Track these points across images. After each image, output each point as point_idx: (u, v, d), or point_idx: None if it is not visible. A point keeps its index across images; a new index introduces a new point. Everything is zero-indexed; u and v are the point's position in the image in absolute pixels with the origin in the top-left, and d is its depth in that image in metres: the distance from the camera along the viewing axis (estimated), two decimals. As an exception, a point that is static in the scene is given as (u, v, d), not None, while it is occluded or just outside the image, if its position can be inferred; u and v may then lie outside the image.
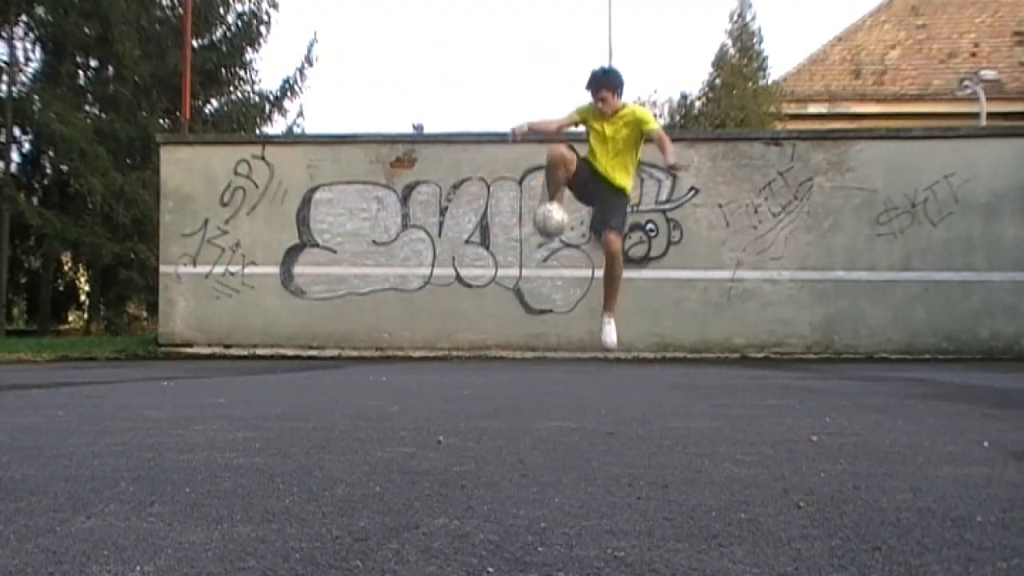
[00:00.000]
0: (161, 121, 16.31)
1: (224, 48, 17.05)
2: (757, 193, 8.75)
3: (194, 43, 15.21)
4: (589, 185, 5.72)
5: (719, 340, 8.74)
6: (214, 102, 17.46)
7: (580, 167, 5.77)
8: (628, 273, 8.85)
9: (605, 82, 5.68)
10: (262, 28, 17.35)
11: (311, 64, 17.49)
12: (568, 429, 2.43)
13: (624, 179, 5.83)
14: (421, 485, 1.56)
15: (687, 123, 16.68)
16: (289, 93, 17.37)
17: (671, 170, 6.10)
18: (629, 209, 6.02)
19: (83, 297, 19.47)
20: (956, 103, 15.45)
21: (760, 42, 17.25)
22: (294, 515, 1.31)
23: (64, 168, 15.88)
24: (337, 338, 9.13)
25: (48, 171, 17.56)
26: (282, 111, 17.47)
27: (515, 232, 9.00)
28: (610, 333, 5.57)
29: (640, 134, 5.76)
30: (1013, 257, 8.51)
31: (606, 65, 5.97)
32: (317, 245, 9.19)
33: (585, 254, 8.81)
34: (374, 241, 9.14)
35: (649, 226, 8.86)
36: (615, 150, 5.77)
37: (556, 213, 5.74)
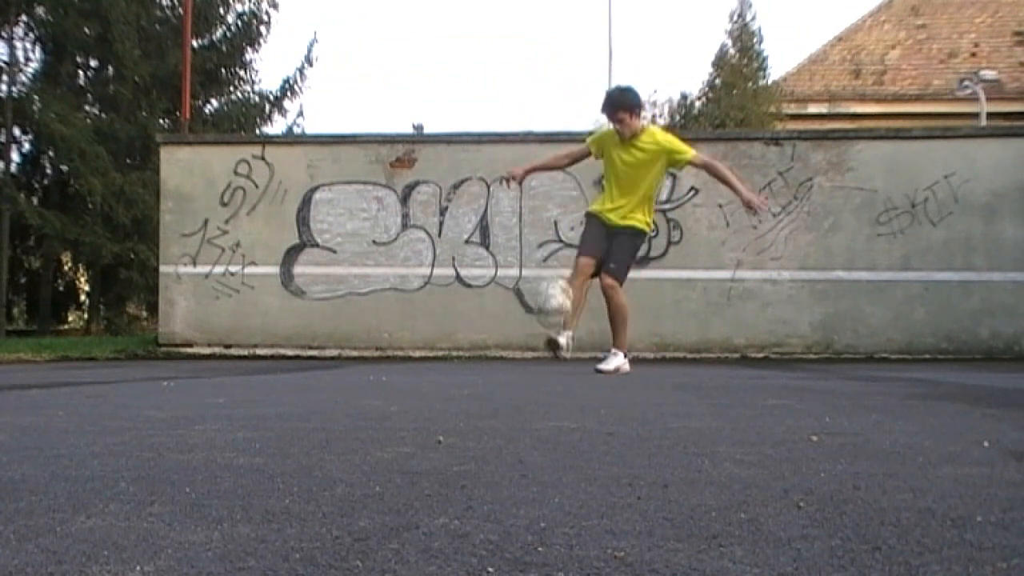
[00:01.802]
0: (161, 121, 16.31)
1: (224, 48, 17.06)
2: (757, 193, 8.74)
3: (194, 43, 15.22)
4: (607, 239, 5.62)
5: (719, 340, 8.74)
6: (214, 102, 17.47)
7: (596, 229, 5.66)
8: (628, 273, 8.86)
9: (622, 102, 5.44)
10: (262, 28, 17.37)
11: (311, 64, 17.53)
12: (568, 429, 2.43)
13: (638, 218, 5.58)
14: (421, 485, 1.56)
15: (687, 123, 16.69)
16: (289, 93, 17.40)
17: (749, 210, 5.92)
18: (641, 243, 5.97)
19: (83, 297, 19.48)
20: (956, 103, 15.46)
21: (760, 42, 17.27)
22: (294, 515, 1.31)
23: (64, 168, 15.88)
24: (337, 338, 9.13)
25: (48, 171, 17.56)
26: (282, 111, 17.50)
27: (515, 232, 9.00)
28: (610, 362, 5.55)
29: (665, 164, 5.51)
30: (1013, 257, 8.51)
31: (622, 85, 5.80)
32: (317, 245, 9.20)
33: (585, 254, 8.80)
34: (374, 241, 9.14)
35: (649, 226, 8.85)
36: (630, 184, 5.51)
37: (556, 296, 5.62)
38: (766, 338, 8.72)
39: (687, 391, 4.09)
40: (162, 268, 9.43)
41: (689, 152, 5.57)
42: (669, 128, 16.37)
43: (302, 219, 9.21)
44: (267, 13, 17.32)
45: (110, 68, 16.57)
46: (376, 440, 2.19)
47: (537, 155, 8.75)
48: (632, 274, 8.77)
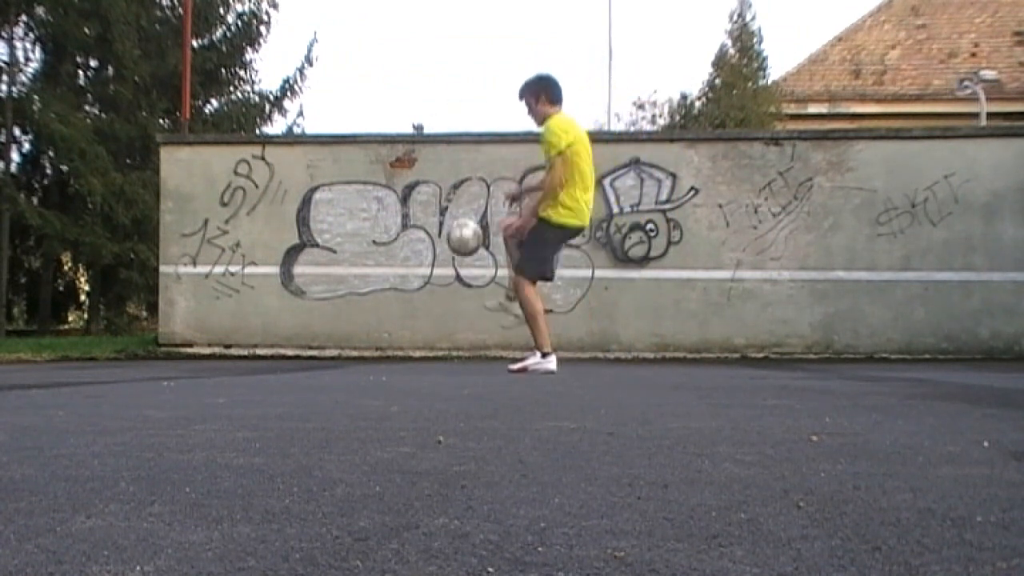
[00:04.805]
0: (161, 121, 16.32)
1: (224, 48, 17.07)
2: (757, 193, 8.75)
3: (194, 43, 15.22)
4: None
5: (719, 340, 8.74)
6: (214, 102, 17.48)
7: None
8: (628, 273, 8.88)
9: (524, 88, 5.45)
10: (262, 28, 17.39)
11: (311, 64, 17.55)
12: (568, 429, 2.43)
13: (541, 208, 5.39)
14: (421, 485, 1.56)
15: (687, 123, 16.69)
16: (289, 93, 17.40)
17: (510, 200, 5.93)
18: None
19: (83, 297, 19.48)
20: (956, 103, 15.45)
21: (760, 42, 17.29)
22: (294, 515, 1.31)
23: (64, 168, 15.88)
24: (337, 338, 9.13)
25: (48, 171, 17.57)
26: (282, 111, 17.50)
27: (515, 232, 8.99)
28: (540, 364, 5.38)
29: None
30: (1013, 257, 8.51)
31: (540, 73, 5.71)
32: (317, 245, 9.20)
33: (585, 254, 8.81)
34: (374, 241, 9.14)
35: (649, 226, 8.86)
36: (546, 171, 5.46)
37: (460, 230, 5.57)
38: (766, 338, 8.72)
39: (687, 391, 4.09)
40: (162, 268, 9.43)
41: (552, 151, 5.33)
42: (668, 127, 16.36)
43: (302, 219, 9.21)
44: (267, 13, 17.35)
45: (110, 68, 16.57)
46: (376, 440, 2.19)
47: (538, 155, 8.77)
48: (632, 274, 8.86)
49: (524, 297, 5.53)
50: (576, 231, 5.72)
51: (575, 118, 5.65)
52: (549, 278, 5.85)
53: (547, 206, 5.44)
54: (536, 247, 5.54)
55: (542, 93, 5.48)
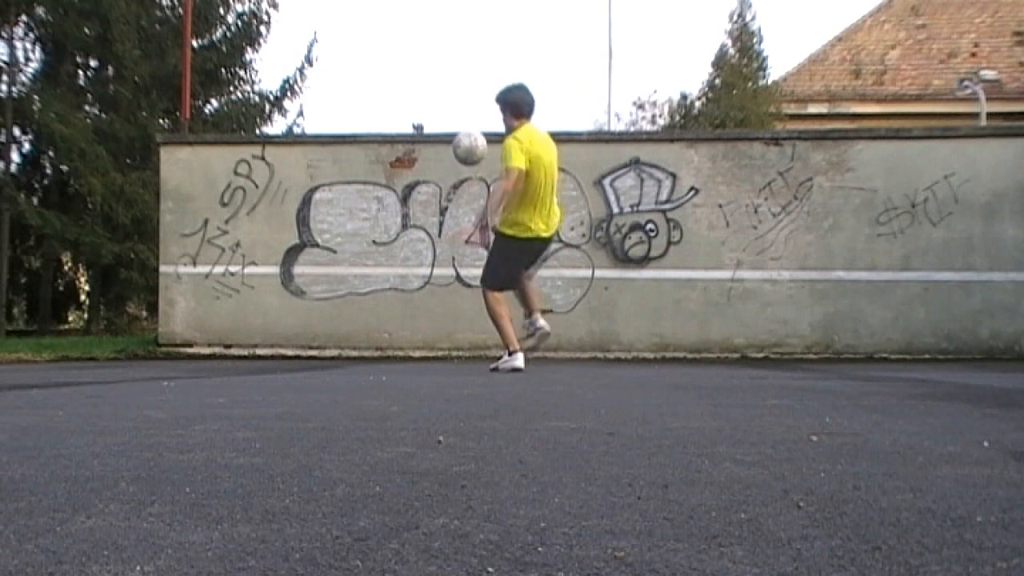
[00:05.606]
0: (161, 121, 16.32)
1: (224, 48, 17.07)
2: (757, 193, 8.75)
3: (194, 43, 15.23)
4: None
5: (719, 340, 8.74)
6: (214, 102, 17.49)
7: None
8: (628, 273, 8.88)
9: (497, 99, 5.83)
10: (262, 28, 17.40)
11: (311, 64, 17.55)
12: (568, 429, 2.43)
13: (499, 219, 5.75)
14: (421, 485, 1.56)
15: (687, 123, 16.69)
16: (289, 93, 17.41)
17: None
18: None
19: (83, 297, 19.49)
20: (956, 103, 15.46)
21: (760, 42, 17.29)
22: (294, 515, 1.31)
23: (64, 168, 15.88)
24: (337, 338, 9.13)
25: (48, 171, 17.58)
26: (282, 111, 17.51)
27: (515, 232, 8.98)
28: (507, 362, 5.81)
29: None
30: (1013, 257, 8.51)
31: (513, 83, 6.02)
32: (317, 245, 9.19)
33: (585, 254, 8.81)
34: (374, 241, 9.14)
35: (649, 226, 8.86)
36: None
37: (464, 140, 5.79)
38: (766, 338, 8.72)
39: (687, 391, 4.09)
40: (162, 268, 9.43)
41: (503, 166, 5.71)
42: (668, 127, 16.36)
43: (302, 219, 9.20)
44: (267, 13, 17.35)
45: (110, 68, 16.58)
46: (376, 440, 2.19)
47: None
48: (632, 274, 8.86)
49: (488, 304, 5.99)
50: (535, 243, 6.00)
51: (540, 131, 5.90)
52: (509, 288, 6.15)
53: (500, 220, 5.91)
54: (497, 260, 5.91)
55: (509, 106, 5.83)
